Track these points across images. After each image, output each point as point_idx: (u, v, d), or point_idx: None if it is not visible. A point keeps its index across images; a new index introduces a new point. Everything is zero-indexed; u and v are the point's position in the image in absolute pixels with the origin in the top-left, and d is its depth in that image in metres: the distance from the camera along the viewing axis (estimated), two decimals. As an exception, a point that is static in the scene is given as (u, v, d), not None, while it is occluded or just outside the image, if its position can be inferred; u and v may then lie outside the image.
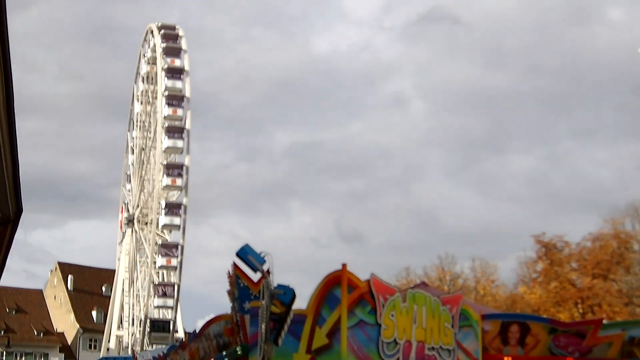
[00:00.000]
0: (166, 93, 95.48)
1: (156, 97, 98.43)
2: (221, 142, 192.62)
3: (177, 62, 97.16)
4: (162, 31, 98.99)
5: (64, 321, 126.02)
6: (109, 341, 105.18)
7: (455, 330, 22.55)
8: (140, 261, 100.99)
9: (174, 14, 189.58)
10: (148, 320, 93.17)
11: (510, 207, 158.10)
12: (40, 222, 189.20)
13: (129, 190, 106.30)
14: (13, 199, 25.75)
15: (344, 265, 20.48)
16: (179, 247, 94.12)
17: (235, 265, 23.44)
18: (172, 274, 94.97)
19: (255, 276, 21.72)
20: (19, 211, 27.28)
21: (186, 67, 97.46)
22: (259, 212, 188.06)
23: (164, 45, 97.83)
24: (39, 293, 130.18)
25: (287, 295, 18.11)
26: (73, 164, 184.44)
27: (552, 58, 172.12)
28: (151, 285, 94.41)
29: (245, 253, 18.29)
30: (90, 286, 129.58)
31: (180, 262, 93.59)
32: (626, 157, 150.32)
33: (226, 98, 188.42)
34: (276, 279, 18.45)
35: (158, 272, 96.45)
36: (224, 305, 23.98)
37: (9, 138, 20.75)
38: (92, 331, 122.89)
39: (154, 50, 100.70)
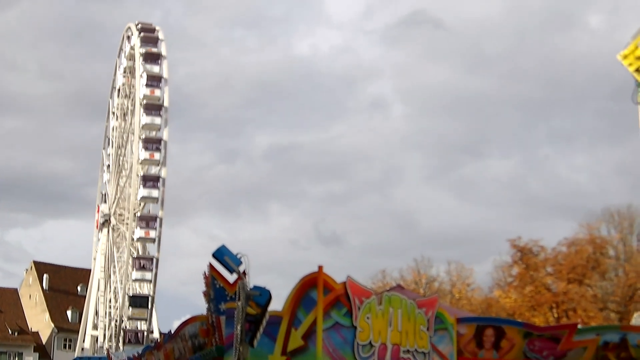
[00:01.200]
0: (144, 102, 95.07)
1: (134, 108, 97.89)
2: (201, 143, 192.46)
3: (154, 49, 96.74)
4: (142, 34, 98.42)
5: (39, 320, 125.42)
6: (83, 341, 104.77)
7: (430, 334, 22.61)
8: (116, 261, 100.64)
9: (155, 14, 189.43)
10: (126, 297, 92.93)
11: (488, 211, 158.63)
12: (18, 221, 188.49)
13: (105, 208, 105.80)
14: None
15: (320, 268, 20.52)
16: (154, 260, 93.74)
17: (211, 266, 23.43)
18: (145, 285, 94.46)
19: (231, 277, 21.72)
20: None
21: (164, 53, 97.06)
22: (238, 213, 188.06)
23: (142, 35, 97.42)
24: (14, 292, 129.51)
25: (263, 296, 18.13)
26: (52, 164, 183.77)
27: (532, 63, 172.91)
28: (130, 261, 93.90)
29: (221, 254, 18.29)
30: (65, 285, 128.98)
31: (155, 275, 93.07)
32: (604, 163, 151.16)
33: (207, 99, 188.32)
34: (252, 281, 18.46)
35: (136, 248, 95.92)
36: (201, 307, 23.95)
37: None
38: (67, 331, 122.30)
39: (131, 58, 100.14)
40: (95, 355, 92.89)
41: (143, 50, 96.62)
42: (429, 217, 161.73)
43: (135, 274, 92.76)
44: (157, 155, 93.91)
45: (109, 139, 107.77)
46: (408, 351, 21.84)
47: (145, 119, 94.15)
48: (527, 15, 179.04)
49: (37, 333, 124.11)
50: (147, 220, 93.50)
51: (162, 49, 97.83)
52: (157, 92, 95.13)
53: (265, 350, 20.15)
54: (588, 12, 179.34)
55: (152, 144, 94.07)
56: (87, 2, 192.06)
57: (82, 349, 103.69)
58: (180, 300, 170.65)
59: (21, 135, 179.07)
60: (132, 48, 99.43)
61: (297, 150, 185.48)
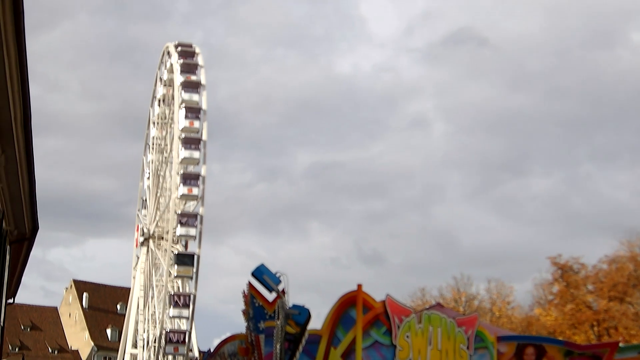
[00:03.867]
0: (183, 105, 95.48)
1: (172, 118, 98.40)
2: (242, 162, 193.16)
3: (194, 77, 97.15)
4: (179, 49, 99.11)
5: (79, 339, 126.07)
6: (123, 359, 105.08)
7: (470, 352, 22.49)
8: (155, 280, 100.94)
9: (197, 34, 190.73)
10: (174, 256, 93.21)
11: (528, 229, 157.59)
12: (60, 240, 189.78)
13: (145, 216, 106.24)
14: (29, 216, 25.85)
15: (359, 286, 20.47)
16: (191, 297, 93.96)
17: (250, 285, 23.45)
18: (188, 284, 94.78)
19: (270, 296, 21.74)
20: (34, 229, 27.39)
21: (203, 81, 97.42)
22: (278, 232, 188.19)
23: (180, 61, 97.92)
24: (54, 310, 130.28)
25: (302, 315, 18.10)
26: (93, 183, 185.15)
27: (573, 81, 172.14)
28: (167, 297, 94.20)
29: (260, 273, 18.30)
30: (105, 304, 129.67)
31: (196, 273, 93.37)
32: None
33: (247, 118, 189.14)
34: (292, 299, 18.46)
35: (174, 284, 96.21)
36: (240, 325, 23.97)
37: (26, 157, 20.85)
38: (107, 349, 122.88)
39: (170, 71, 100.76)
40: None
41: (182, 79, 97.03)
42: (469, 235, 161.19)
43: (173, 312, 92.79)
44: (195, 191, 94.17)
45: (149, 146, 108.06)
46: (448, 370, 21.74)
47: (184, 153, 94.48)
48: (569, 33, 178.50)
49: (76, 351, 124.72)
50: (185, 258, 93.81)
51: (202, 76, 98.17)
52: (196, 124, 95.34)
53: (304, 369, 20.11)
54: (629, 28, 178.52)
55: (191, 179, 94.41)
56: (128, 23, 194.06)
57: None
58: (220, 318, 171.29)
59: (63, 154, 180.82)
60: (171, 70, 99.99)
61: (338, 168, 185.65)
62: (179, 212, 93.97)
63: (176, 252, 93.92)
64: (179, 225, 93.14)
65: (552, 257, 68.42)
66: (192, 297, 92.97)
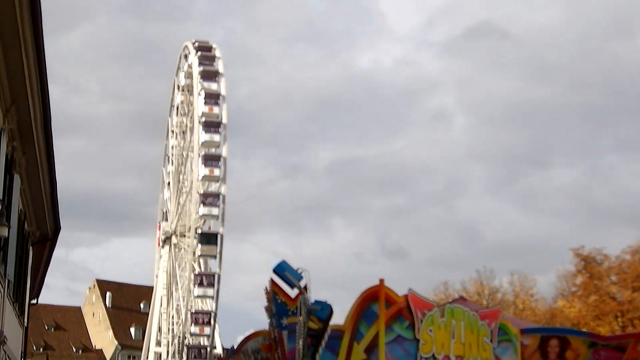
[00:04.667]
0: (203, 119, 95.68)
1: (192, 128, 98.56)
2: (263, 159, 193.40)
3: (214, 87, 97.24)
4: (199, 53, 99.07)
5: (103, 338, 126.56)
6: (147, 358, 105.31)
7: (494, 345, 22.44)
8: (179, 274, 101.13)
9: (217, 33, 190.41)
10: (198, 236, 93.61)
11: (552, 221, 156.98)
12: (83, 240, 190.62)
13: (166, 225, 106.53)
14: (51, 217, 25.96)
15: (381, 281, 20.45)
16: (216, 276, 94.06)
17: (272, 282, 23.43)
18: (208, 301, 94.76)
19: (292, 292, 21.73)
20: (57, 229, 27.50)
21: (223, 92, 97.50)
22: (302, 228, 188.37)
23: (200, 69, 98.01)
24: (78, 310, 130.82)
25: (324, 311, 18.12)
26: (115, 183, 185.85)
27: (595, 71, 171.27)
28: (190, 301, 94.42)
29: (282, 269, 18.34)
30: (128, 303, 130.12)
31: (217, 291, 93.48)
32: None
33: (268, 115, 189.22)
34: (315, 295, 18.48)
35: (194, 300, 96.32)
36: (264, 322, 23.97)
37: (47, 158, 20.94)
38: (131, 348, 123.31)
39: (189, 76, 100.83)
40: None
41: (201, 69, 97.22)
42: (492, 228, 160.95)
43: (197, 291, 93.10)
44: (217, 172, 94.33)
45: (168, 157, 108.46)
46: (472, 363, 21.70)
47: (205, 137, 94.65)
48: (590, 24, 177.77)
49: (101, 351, 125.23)
50: (209, 237, 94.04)
51: (220, 66, 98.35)
52: (216, 110, 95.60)
53: (327, 365, 20.12)
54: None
55: (212, 160, 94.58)
56: (148, 23, 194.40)
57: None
58: (244, 315, 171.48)
59: (85, 155, 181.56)
60: (190, 66, 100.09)
61: (360, 164, 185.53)
62: (201, 192, 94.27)
63: (200, 231, 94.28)
64: (201, 205, 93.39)
65: (575, 249, 68.21)
66: (216, 276, 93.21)
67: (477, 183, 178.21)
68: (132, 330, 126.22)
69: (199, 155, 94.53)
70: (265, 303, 24.46)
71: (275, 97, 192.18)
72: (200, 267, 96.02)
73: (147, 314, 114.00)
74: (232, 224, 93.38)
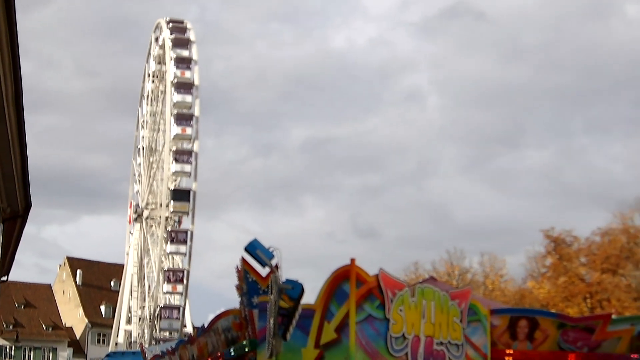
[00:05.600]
0: (175, 81, 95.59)
1: (165, 90, 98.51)
2: (237, 137, 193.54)
3: (185, 53, 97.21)
4: (171, 24, 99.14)
5: (73, 316, 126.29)
6: (117, 336, 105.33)
7: (463, 325, 22.54)
8: (150, 251, 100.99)
9: (192, 9, 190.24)
10: (170, 192, 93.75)
11: (523, 202, 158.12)
12: (54, 217, 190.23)
13: (137, 192, 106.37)
14: (22, 194, 25.83)
15: (352, 260, 20.48)
16: (189, 233, 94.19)
17: (243, 260, 23.42)
18: (181, 259, 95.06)
19: (263, 271, 21.72)
20: (27, 206, 27.37)
21: (194, 57, 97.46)
22: (274, 207, 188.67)
23: (172, 37, 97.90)
24: (48, 288, 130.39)
25: (295, 290, 18.11)
26: (87, 160, 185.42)
27: (568, 53, 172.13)
28: (161, 274, 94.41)
29: (253, 248, 18.29)
30: (99, 281, 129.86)
31: (190, 248, 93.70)
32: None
33: (242, 94, 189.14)
34: (287, 274, 18.45)
35: (167, 257, 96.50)
36: (235, 301, 23.98)
37: (18, 135, 20.83)
38: (101, 326, 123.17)
39: (162, 47, 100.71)
40: (129, 349, 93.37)
41: (173, 36, 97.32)
42: (464, 208, 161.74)
43: (167, 287, 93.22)
44: (189, 131, 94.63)
45: (141, 123, 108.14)
46: (441, 343, 21.78)
47: (177, 97, 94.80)
48: (564, 5, 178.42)
49: (71, 328, 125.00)
50: (181, 193, 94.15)
51: (191, 35, 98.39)
52: (188, 74, 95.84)
53: (298, 344, 20.15)
54: (625, 1, 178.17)
55: (184, 120, 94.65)
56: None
57: (116, 343, 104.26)
58: (216, 294, 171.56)
59: (58, 132, 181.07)
60: (162, 47, 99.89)
61: (333, 143, 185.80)
62: (172, 188, 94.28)
63: (172, 188, 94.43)
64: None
65: (545, 230, 68.67)
66: (185, 273, 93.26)
67: (449, 163, 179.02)
68: (103, 308, 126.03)
69: (172, 115, 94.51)
70: (236, 281, 24.47)
71: (250, 75, 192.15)
72: (168, 263, 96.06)
73: (118, 292, 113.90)
74: (204, 202, 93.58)
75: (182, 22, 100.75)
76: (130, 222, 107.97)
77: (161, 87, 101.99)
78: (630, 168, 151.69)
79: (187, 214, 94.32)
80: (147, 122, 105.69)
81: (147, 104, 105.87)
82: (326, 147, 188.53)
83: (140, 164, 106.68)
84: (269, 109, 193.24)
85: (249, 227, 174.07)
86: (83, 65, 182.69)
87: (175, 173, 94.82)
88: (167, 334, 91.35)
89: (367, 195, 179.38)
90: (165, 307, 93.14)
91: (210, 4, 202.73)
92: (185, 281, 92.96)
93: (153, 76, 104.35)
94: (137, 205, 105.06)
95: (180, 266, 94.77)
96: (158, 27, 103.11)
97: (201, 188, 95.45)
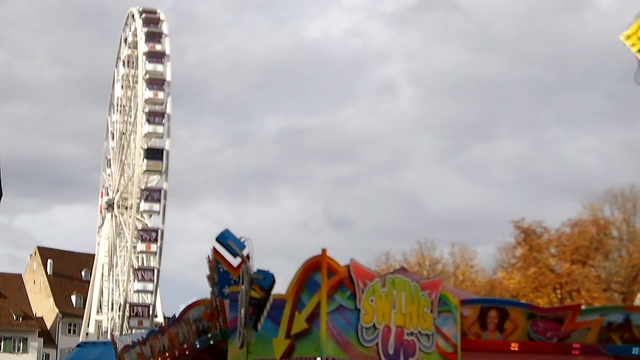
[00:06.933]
0: (147, 77, 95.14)
1: (137, 81, 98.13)
2: (210, 127, 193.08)
3: (158, 47, 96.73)
4: (144, 15, 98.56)
5: (43, 306, 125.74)
6: (88, 326, 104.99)
7: (434, 316, 22.61)
8: (120, 246, 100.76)
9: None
10: (143, 151, 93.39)
11: (495, 193, 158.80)
12: (26, 206, 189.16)
13: (109, 175, 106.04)
14: (-8, 183, 25.69)
15: (323, 251, 20.50)
16: (159, 232, 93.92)
17: (215, 250, 23.45)
18: (151, 258, 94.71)
19: (235, 261, 21.75)
20: (-2, 195, 27.25)
21: (167, 51, 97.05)
22: (247, 197, 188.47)
23: (145, 29, 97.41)
24: (19, 277, 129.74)
25: (266, 280, 18.15)
26: (60, 149, 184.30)
27: (541, 45, 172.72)
28: (131, 270, 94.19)
29: (225, 238, 18.31)
30: (69, 271, 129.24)
31: (160, 247, 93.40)
32: (613, 144, 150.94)
33: (216, 83, 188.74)
34: (260, 264, 18.49)
35: (138, 257, 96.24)
36: (206, 291, 24.03)
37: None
38: (72, 316, 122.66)
39: (135, 35, 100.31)
40: (100, 339, 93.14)
41: (145, 30, 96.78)
42: (436, 199, 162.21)
43: (137, 285, 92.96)
44: (160, 129, 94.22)
45: (113, 107, 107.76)
46: (412, 333, 21.85)
47: (148, 94, 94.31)
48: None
49: (41, 318, 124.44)
50: (154, 152, 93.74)
51: (164, 28, 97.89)
52: (160, 95, 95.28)
53: (269, 334, 20.19)
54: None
55: (156, 117, 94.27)
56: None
57: (87, 333, 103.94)
58: (189, 285, 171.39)
59: (30, 120, 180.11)
60: (135, 34, 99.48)
61: (307, 133, 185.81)
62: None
63: (145, 147, 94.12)
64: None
65: (515, 221, 68.94)
66: (155, 271, 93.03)
67: (422, 154, 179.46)
68: (73, 298, 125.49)
69: (143, 112, 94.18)
70: (207, 272, 24.49)
71: (224, 65, 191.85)
72: (138, 261, 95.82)
73: (89, 281, 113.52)
74: (177, 193, 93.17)
75: (155, 12, 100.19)
76: (101, 211, 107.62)
77: (132, 73, 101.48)
78: (602, 159, 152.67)
79: (160, 173, 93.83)
80: (119, 107, 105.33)
81: (120, 89, 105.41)
82: (300, 138, 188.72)
83: (112, 147, 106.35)
84: (243, 99, 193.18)
85: (222, 217, 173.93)
86: (56, 54, 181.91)
87: (148, 134, 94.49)
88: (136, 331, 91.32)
89: (340, 185, 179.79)
90: (136, 305, 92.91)
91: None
92: (155, 280, 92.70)
93: (126, 62, 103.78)
94: (108, 195, 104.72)
95: (152, 265, 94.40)
96: (130, 14, 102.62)
97: (173, 178, 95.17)
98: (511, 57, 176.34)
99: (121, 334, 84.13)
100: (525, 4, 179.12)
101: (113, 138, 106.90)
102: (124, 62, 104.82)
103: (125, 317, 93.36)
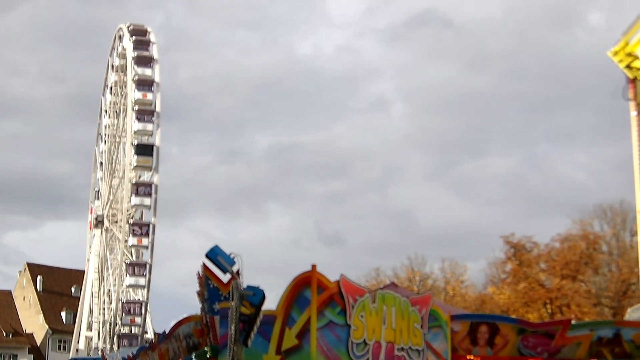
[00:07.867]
0: (136, 107, 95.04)
1: (126, 110, 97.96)
2: (202, 144, 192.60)
3: (148, 72, 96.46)
4: (134, 37, 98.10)
5: (33, 322, 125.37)
6: (78, 342, 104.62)
7: (424, 331, 22.64)
8: (110, 259, 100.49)
9: (157, 16, 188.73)
10: (134, 147, 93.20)
11: (486, 209, 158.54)
12: (17, 223, 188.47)
13: (98, 207, 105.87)
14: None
15: (313, 266, 20.54)
16: (151, 226, 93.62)
17: (205, 266, 23.43)
18: (143, 252, 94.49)
19: (225, 277, 21.75)
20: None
21: (157, 79, 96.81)
22: (238, 214, 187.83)
23: (135, 54, 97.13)
24: (8, 294, 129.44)
25: (256, 296, 18.15)
26: (53, 166, 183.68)
27: (532, 61, 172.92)
28: (123, 268, 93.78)
29: (214, 254, 18.31)
30: (59, 287, 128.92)
31: (152, 242, 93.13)
32: (604, 160, 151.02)
33: (208, 100, 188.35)
34: (252, 281, 18.49)
35: (130, 251, 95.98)
36: (196, 307, 23.96)
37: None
38: (62, 332, 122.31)
39: (123, 57, 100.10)
40: (90, 356, 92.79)
41: (135, 54, 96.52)
42: (428, 215, 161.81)
43: (129, 280, 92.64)
44: (149, 161, 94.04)
45: (101, 136, 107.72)
46: (402, 349, 21.87)
47: (137, 125, 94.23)
48: (529, 13, 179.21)
49: (31, 335, 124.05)
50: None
51: (154, 52, 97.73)
52: (149, 96, 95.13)
53: (259, 350, 20.18)
54: (588, 10, 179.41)
55: (145, 149, 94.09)
56: (88, 5, 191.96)
57: (77, 350, 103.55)
58: (180, 301, 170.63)
59: (22, 138, 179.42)
60: (124, 49, 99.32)
61: (298, 150, 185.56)
62: (134, 182, 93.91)
63: (136, 142, 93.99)
64: (133, 195, 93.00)
65: (505, 236, 68.99)
66: (148, 266, 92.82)
67: (414, 170, 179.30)
68: (63, 314, 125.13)
69: (132, 144, 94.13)
70: (198, 288, 24.47)
71: (216, 82, 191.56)
72: (132, 256, 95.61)
73: (79, 298, 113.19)
74: (168, 209, 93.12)
75: (145, 34, 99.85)
76: (90, 228, 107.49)
77: (120, 100, 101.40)
78: (593, 175, 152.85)
79: (150, 169, 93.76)
80: (109, 112, 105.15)
81: (108, 117, 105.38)
82: (291, 154, 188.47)
83: (102, 152, 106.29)
84: (235, 116, 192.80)
85: (212, 234, 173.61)
86: (48, 71, 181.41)
87: (137, 167, 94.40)
88: (128, 329, 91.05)
89: (332, 202, 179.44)
90: (128, 302, 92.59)
91: (177, 10, 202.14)
92: (147, 275, 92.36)
93: (116, 70, 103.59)
94: (97, 212, 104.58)
95: (139, 297, 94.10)
96: (117, 35, 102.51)
97: (165, 195, 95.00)
98: (502, 73, 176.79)
99: (111, 350, 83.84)
100: (516, 20, 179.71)
101: (101, 168, 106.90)
102: (111, 89, 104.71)
103: (118, 317, 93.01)
